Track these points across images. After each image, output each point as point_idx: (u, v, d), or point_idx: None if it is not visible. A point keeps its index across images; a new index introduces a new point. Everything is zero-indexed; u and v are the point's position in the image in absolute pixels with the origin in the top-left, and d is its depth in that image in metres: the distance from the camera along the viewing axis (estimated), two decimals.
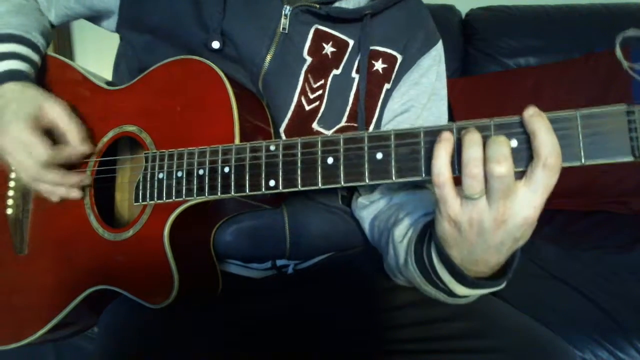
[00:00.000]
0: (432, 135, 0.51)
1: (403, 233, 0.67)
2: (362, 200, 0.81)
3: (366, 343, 0.75)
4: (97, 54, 1.96)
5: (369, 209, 0.79)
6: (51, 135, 0.70)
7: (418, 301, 0.75)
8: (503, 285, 0.57)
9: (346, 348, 0.75)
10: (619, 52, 0.48)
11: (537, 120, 0.46)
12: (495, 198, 0.47)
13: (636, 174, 1.59)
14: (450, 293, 0.59)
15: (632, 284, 1.24)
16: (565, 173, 1.59)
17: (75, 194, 0.73)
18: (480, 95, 1.69)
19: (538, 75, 1.69)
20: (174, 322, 0.68)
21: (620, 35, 0.48)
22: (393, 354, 0.73)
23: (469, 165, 0.46)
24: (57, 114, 0.70)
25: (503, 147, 0.46)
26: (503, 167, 0.45)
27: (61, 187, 0.72)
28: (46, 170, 0.69)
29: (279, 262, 0.81)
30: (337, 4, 0.75)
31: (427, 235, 0.60)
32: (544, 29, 1.77)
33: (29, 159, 0.68)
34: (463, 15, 1.86)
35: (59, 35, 1.99)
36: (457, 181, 0.49)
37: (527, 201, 0.47)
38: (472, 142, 0.47)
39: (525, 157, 0.47)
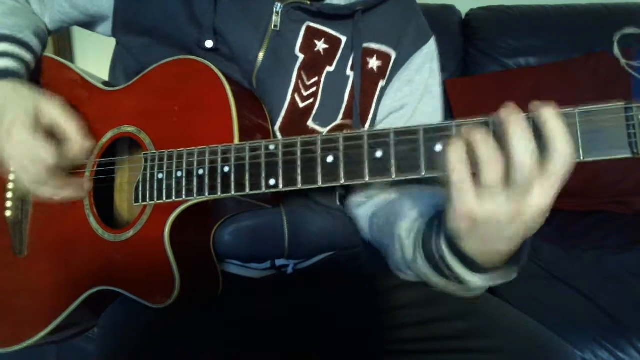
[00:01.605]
0: (432, 132, 0.51)
1: (409, 227, 0.66)
2: (357, 198, 0.81)
3: (366, 343, 0.75)
4: (97, 55, 1.97)
5: (366, 206, 0.79)
6: (51, 135, 0.69)
7: (418, 301, 0.75)
8: (516, 275, 0.57)
9: (346, 348, 0.75)
10: (616, 49, 0.49)
11: (546, 110, 0.46)
12: (516, 191, 0.46)
13: (636, 174, 1.59)
14: (463, 284, 0.59)
15: (632, 284, 1.24)
16: None
17: (80, 194, 0.72)
18: (480, 95, 1.69)
19: (538, 75, 1.69)
20: (175, 322, 0.68)
21: (619, 33, 0.49)
22: (393, 354, 0.73)
23: (492, 158, 0.46)
24: (56, 112, 0.69)
25: (527, 140, 0.46)
26: (531, 158, 0.45)
27: (63, 191, 0.70)
28: (51, 174, 0.68)
29: (279, 262, 0.81)
30: (328, 1, 0.75)
31: (435, 228, 0.60)
32: (544, 29, 1.77)
33: (34, 164, 0.66)
34: (463, 15, 1.86)
35: (59, 37, 1.99)
36: None
37: (543, 192, 0.46)
38: (487, 137, 0.47)
39: None
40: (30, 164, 0.66)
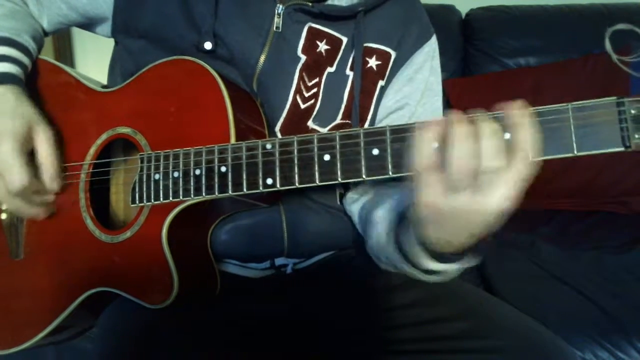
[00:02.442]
0: None
1: (384, 215, 0.68)
2: (352, 194, 0.81)
3: (366, 343, 0.75)
4: (97, 56, 1.97)
5: (359, 202, 0.79)
6: (31, 158, 0.70)
7: (418, 301, 0.75)
8: (476, 262, 0.59)
9: (346, 348, 0.75)
10: (608, 45, 0.49)
11: (518, 115, 0.47)
12: (481, 191, 0.48)
13: (636, 174, 1.59)
14: (426, 270, 0.61)
15: (632, 284, 1.24)
16: (565, 173, 1.60)
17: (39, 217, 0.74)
18: (480, 95, 1.69)
19: (538, 75, 1.69)
20: (173, 322, 0.68)
21: (610, 29, 0.50)
22: (393, 354, 0.73)
23: (460, 161, 0.47)
24: (42, 143, 0.69)
25: (497, 140, 0.47)
26: (497, 161, 0.46)
27: (21, 212, 0.72)
28: (11, 197, 0.68)
29: (278, 262, 0.81)
30: (330, 2, 0.75)
31: (407, 217, 0.62)
32: (544, 29, 1.77)
33: (2, 181, 0.67)
34: (463, 15, 1.86)
35: (59, 37, 1.98)
36: None
37: (506, 193, 0.48)
38: (464, 136, 0.47)
39: None
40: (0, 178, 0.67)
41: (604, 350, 1.11)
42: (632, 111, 0.46)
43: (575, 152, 0.48)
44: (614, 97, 0.47)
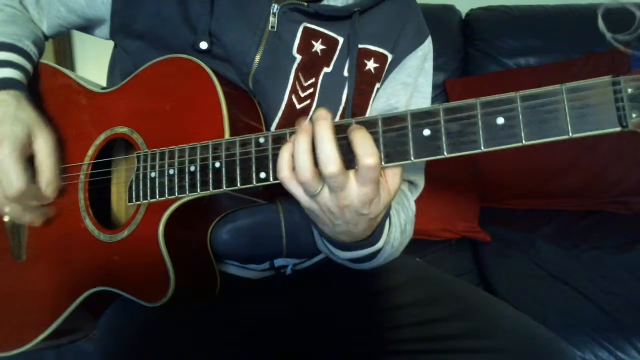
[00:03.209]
0: (419, 118, 0.51)
1: None
2: None
3: (366, 343, 0.75)
4: (97, 56, 1.97)
5: None
6: (31, 161, 0.69)
7: (418, 301, 0.75)
8: (378, 245, 0.63)
9: (346, 348, 0.75)
10: (601, 23, 0.48)
11: (353, 132, 0.51)
12: (333, 190, 0.52)
13: (636, 174, 1.59)
14: (337, 257, 0.67)
15: (632, 284, 1.25)
16: (565, 173, 1.59)
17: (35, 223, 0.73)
18: (480, 96, 1.69)
19: (538, 75, 1.68)
20: (174, 322, 0.68)
21: (602, 6, 0.49)
22: (393, 354, 0.73)
23: (301, 169, 0.52)
24: (41, 147, 0.68)
25: (329, 148, 0.50)
26: (332, 167, 0.50)
27: (19, 217, 0.71)
28: (9, 202, 0.68)
29: (278, 263, 0.81)
30: (325, 2, 0.75)
31: None
32: (544, 29, 1.77)
33: (1, 184, 0.67)
34: (463, 15, 1.86)
35: (60, 40, 1.98)
36: None
37: (359, 190, 0.52)
38: (303, 146, 0.52)
39: (512, 134, 0.48)
40: None
41: (604, 350, 1.11)
42: (629, 90, 0.44)
43: (570, 134, 0.46)
44: (609, 76, 0.45)
